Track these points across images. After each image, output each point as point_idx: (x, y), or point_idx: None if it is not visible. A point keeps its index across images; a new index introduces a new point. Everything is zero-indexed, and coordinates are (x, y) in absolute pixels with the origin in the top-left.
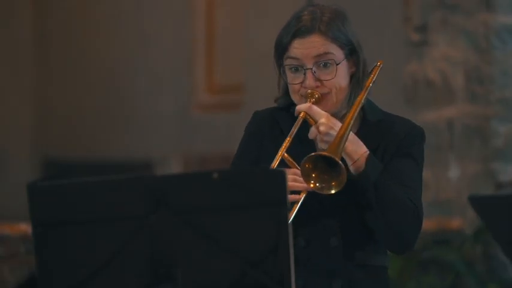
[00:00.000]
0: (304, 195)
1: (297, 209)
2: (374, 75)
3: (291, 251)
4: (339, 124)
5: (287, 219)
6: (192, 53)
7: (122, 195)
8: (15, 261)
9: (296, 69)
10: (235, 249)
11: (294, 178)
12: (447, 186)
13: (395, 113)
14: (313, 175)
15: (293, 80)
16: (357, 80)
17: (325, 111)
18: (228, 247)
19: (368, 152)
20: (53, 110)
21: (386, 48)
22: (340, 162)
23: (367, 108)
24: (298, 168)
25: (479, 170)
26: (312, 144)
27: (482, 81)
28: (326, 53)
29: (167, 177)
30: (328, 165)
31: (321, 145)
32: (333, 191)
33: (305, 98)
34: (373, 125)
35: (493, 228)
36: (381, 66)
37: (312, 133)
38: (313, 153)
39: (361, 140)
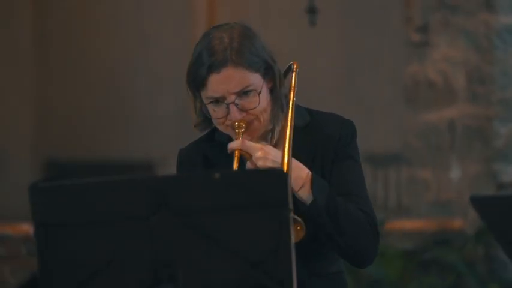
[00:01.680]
0: None
1: None
2: (295, 84)
3: (292, 251)
4: (275, 153)
5: (288, 219)
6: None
7: (122, 195)
8: (16, 262)
9: (217, 101)
10: (236, 249)
11: None
12: (448, 187)
13: (397, 115)
14: None
15: (216, 114)
16: (276, 94)
17: (254, 135)
18: (228, 248)
19: (310, 174)
20: (53, 110)
21: (387, 49)
22: (296, 217)
23: (294, 115)
24: None
25: (480, 170)
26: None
27: (483, 82)
28: (245, 86)
29: (168, 177)
30: None
31: None
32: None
33: (231, 127)
34: (302, 131)
35: (494, 229)
36: (297, 69)
37: (249, 167)
38: None
39: (296, 151)
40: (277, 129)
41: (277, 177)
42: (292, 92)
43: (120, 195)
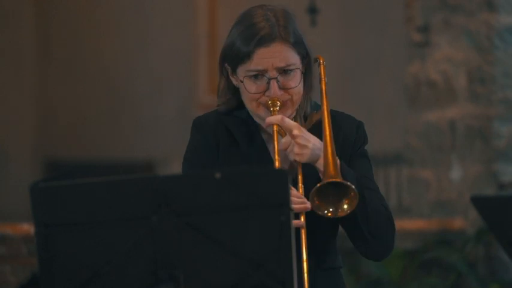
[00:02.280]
0: (304, 217)
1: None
2: (325, 75)
3: (294, 251)
4: (311, 135)
5: (289, 219)
6: (194, 53)
7: (123, 196)
8: (17, 262)
9: (256, 77)
10: (237, 249)
11: (292, 200)
12: (449, 187)
13: (398, 115)
14: (324, 202)
15: (254, 88)
16: (309, 81)
17: (285, 115)
18: (230, 248)
19: (339, 161)
20: (54, 111)
21: (388, 49)
22: (349, 183)
23: (312, 108)
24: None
25: (481, 170)
26: (262, 147)
27: (484, 82)
28: (289, 64)
29: (169, 177)
30: (333, 188)
31: (293, 157)
32: (348, 211)
33: (264, 105)
34: (320, 126)
35: (495, 229)
36: (324, 61)
37: (284, 144)
38: (318, 185)
39: None
40: (299, 118)
41: (278, 177)
42: (323, 81)
43: (120, 195)
